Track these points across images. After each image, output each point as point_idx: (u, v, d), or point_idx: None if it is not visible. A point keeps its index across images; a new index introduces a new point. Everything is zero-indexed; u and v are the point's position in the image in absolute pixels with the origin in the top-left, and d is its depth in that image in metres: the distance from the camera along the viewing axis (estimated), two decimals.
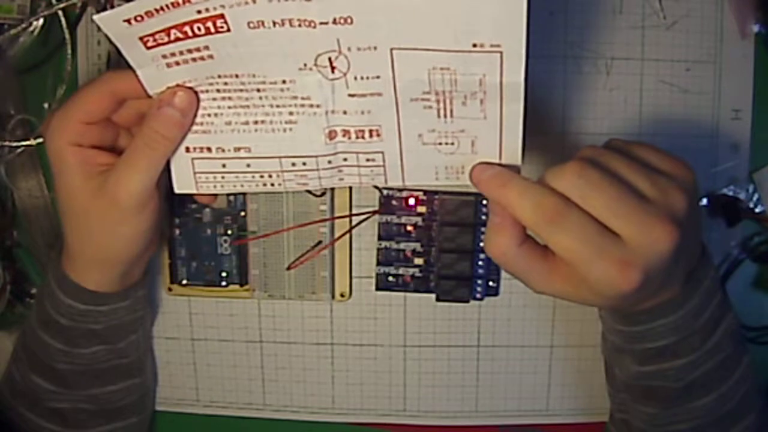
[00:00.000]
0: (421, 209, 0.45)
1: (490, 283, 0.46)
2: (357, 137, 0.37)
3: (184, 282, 0.47)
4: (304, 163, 0.38)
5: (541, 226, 0.32)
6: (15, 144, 0.46)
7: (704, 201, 0.46)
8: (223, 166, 0.38)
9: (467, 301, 0.46)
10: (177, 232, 0.46)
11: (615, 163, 0.33)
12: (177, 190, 0.39)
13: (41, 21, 0.46)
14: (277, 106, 0.36)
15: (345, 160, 0.38)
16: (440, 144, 0.37)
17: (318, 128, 0.37)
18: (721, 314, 0.38)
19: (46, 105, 0.46)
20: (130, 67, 0.35)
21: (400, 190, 0.45)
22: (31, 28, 0.46)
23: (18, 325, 0.47)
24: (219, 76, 0.35)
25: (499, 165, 0.36)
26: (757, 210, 0.46)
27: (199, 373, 0.49)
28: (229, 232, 0.46)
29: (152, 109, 0.36)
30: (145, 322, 0.46)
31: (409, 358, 0.48)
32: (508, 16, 0.31)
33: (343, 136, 0.37)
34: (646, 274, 0.31)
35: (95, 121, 0.37)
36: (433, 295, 0.46)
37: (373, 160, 0.38)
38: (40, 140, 0.45)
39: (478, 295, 0.46)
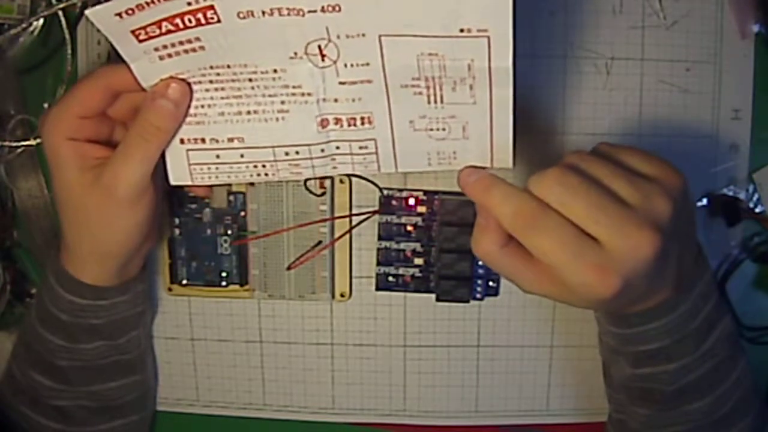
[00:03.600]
0: (421, 209, 0.45)
1: (490, 283, 0.46)
2: (349, 125, 0.37)
3: (184, 282, 0.47)
4: (297, 152, 0.38)
5: (519, 230, 0.32)
6: (15, 144, 0.46)
7: (704, 201, 0.46)
8: (218, 156, 0.39)
9: (467, 301, 0.46)
10: (177, 232, 0.46)
11: (596, 168, 0.33)
12: (173, 182, 0.39)
13: (41, 21, 0.46)
14: (269, 95, 0.37)
15: (338, 148, 0.38)
16: (431, 130, 0.37)
17: (310, 117, 0.37)
18: (716, 318, 0.38)
19: (46, 105, 0.46)
20: (123, 61, 0.35)
21: (400, 190, 0.45)
22: (31, 28, 0.46)
23: (18, 325, 0.47)
24: (211, 67, 0.36)
25: (491, 168, 0.37)
26: (757, 210, 0.46)
27: (199, 373, 0.49)
28: (229, 232, 0.46)
29: (146, 102, 0.36)
30: (145, 318, 0.46)
31: (409, 358, 0.48)
32: (495, 1, 0.31)
33: (335, 124, 0.37)
34: (625, 279, 0.31)
35: (90, 115, 0.38)
36: (433, 295, 0.46)
37: (366, 147, 0.38)
38: (40, 140, 0.45)
39: (478, 295, 0.46)
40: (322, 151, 0.38)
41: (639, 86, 0.45)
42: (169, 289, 0.47)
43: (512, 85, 0.34)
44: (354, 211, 0.46)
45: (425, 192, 0.45)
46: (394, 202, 0.45)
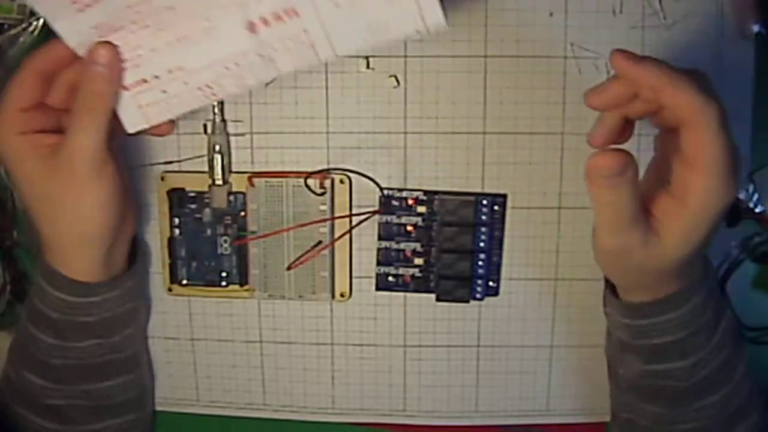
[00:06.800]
0: (421, 209, 0.45)
1: (490, 283, 0.46)
2: (276, 21, 0.37)
3: (184, 282, 0.47)
4: (236, 64, 0.38)
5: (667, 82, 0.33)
6: None
7: None
8: (164, 92, 0.39)
9: (467, 301, 0.46)
10: (177, 232, 0.46)
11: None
12: (130, 130, 0.40)
13: (41, 21, 0.46)
14: (192, 17, 0.37)
15: (274, 48, 0.38)
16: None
17: (237, 25, 0.37)
18: (721, 311, 0.39)
19: None
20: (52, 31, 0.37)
21: (400, 190, 0.45)
22: (31, 28, 0.46)
23: (17, 325, 0.47)
24: (129, 7, 0.36)
25: (427, 32, 0.35)
26: (757, 210, 0.46)
27: (199, 373, 0.49)
28: (229, 232, 0.46)
29: (81, 74, 0.37)
30: (138, 315, 0.46)
31: (409, 358, 0.48)
32: None
33: (263, 24, 0.37)
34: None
35: (30, 104, 0.39)
36: (433, 295, 0.46)
37: (298, 39, 0.37)
38: None
39: (478, 295, 0.46)
40: (260, 55, 0.38)
41: None
42: (169, 289, 0.47)
43: None
44: (354, 211, 0.46)
45: (425, 192, 0.45)
46: (394, 202, 0.45)
